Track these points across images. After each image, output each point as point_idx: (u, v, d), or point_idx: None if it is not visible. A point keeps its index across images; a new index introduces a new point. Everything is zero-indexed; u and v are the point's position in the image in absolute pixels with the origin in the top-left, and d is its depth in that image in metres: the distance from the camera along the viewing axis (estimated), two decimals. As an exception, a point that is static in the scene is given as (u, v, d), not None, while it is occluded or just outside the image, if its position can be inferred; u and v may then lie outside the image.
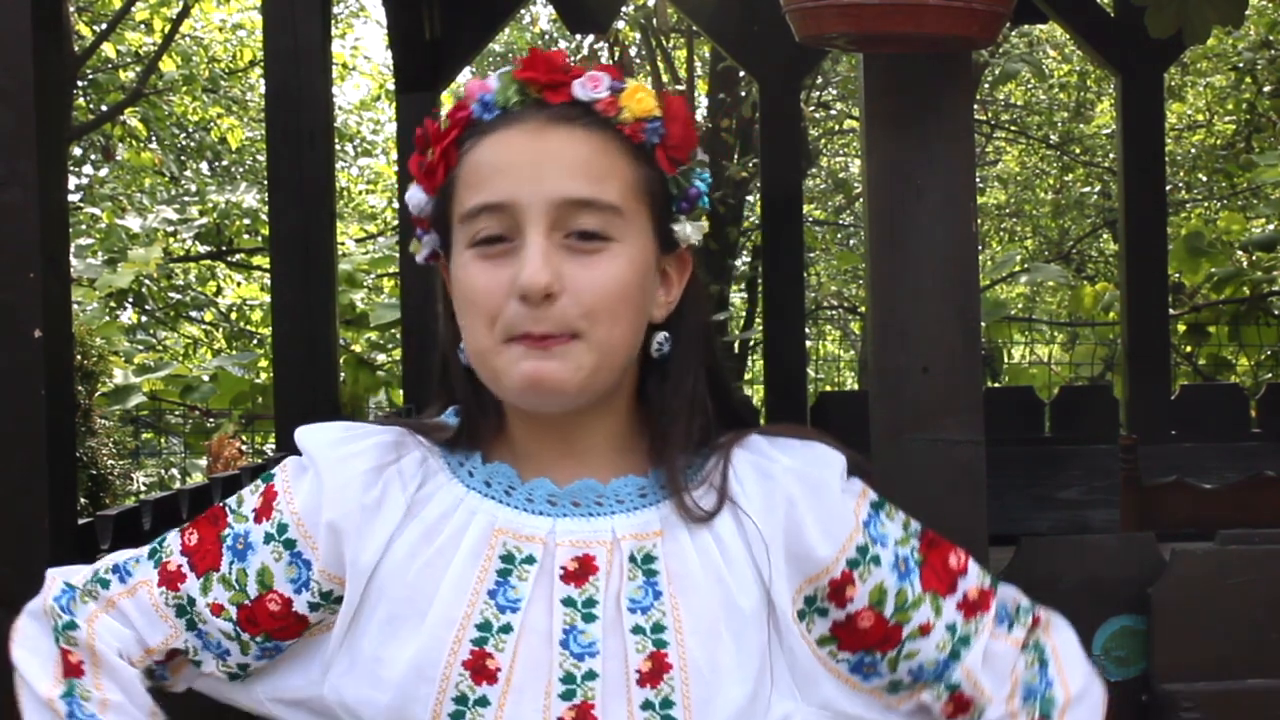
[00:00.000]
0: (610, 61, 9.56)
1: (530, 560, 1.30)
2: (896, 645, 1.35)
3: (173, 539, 1.39)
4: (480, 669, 1.28)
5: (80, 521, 2.37)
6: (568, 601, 1.29)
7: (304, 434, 1.37)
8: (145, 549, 1.41)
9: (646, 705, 1.27)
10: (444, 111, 1.36)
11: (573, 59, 1.35)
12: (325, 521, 1.33)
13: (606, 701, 1.27)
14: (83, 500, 6.38)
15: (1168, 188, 7.86)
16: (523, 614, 1.29)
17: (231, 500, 1.39)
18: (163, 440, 10.05)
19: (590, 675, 1.27)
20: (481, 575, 1.30)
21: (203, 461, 8.28)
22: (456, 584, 1.30)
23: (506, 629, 1.28)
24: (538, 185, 1.27)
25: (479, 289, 1.28)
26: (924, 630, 1.35)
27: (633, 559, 1.30)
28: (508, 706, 1.27)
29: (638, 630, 1.28)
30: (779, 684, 1.32)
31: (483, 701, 1.28)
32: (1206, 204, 11.98)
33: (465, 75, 5.94)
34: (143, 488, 8.57)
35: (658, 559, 1.30)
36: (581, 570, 1.30)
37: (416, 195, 1.35)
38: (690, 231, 1.35)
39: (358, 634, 1.33)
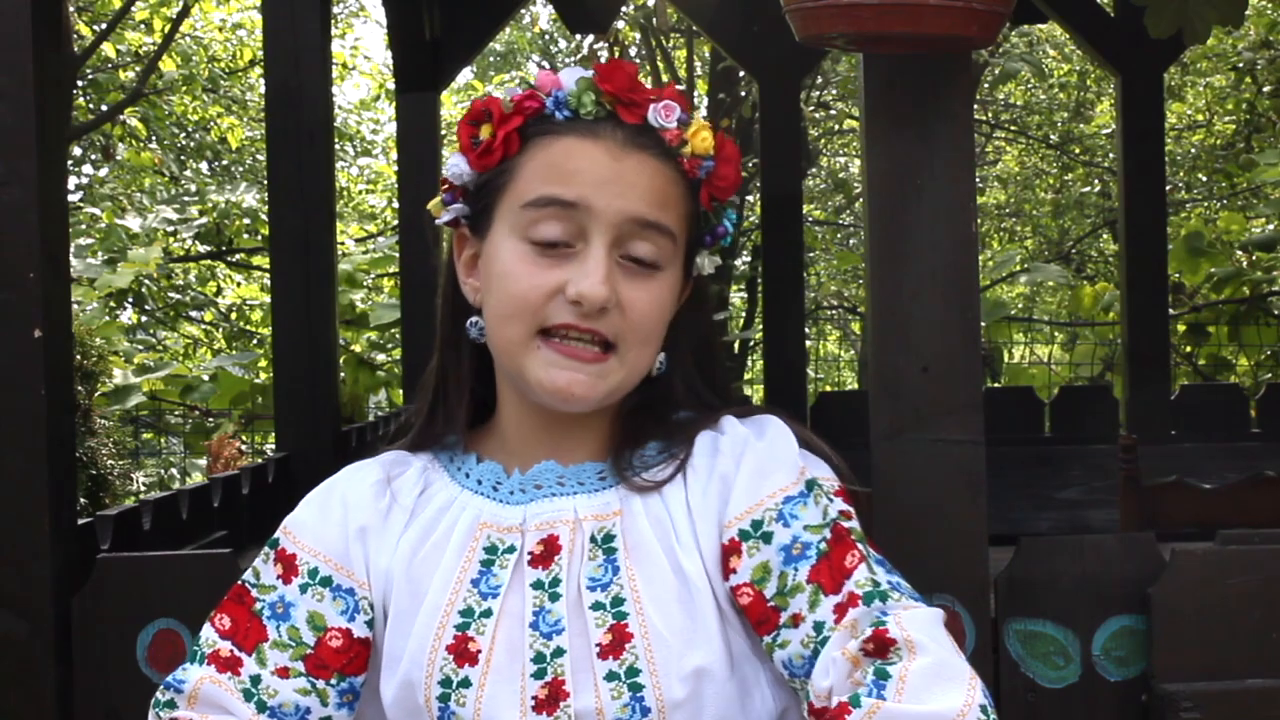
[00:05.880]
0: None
1: (511, 550, 1.36)
2: (773, 631, 1.32)
3: (206, 631, 1.40)
4: (462, 652, 1.33)
5: (80, 521, 2.36)
6: (536, 584, 1.34)
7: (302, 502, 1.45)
8: (187, 659, 1.40)
9: (611, 676, 1.30)
10: (505, 94, 1.39)
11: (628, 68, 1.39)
12: (355, 529, 1.39)
13: (575, 676, 1.31)
14: (83, 500, 6.37)
15: (1168, 188, 7.84)
16: (502, 599, 1.34)
17: (247, 575, 1.41)
18: (163, 440, 10.04)
19: (559, 652, 1.32)
20: (465, 566, 1.36)
21: (203, 461, 8.27)
22: (445, 575, 1.37)
23: (487, 614, 1.34)
24: (613, 199, 1.32)
25: (525, 285, 1.33)
26: (795, 621, 1.31)
27: (594, 539, 1.35)
28: (488, 686, 1.32)
29: (597, 606, 1.32)
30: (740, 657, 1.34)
31: (465, 683, 1.32)
32: (1206, 204, 11.96)
33: (465, 75, 5.94)
34: (143, 488, 8.57)
35: (617, 536, 1.35)
36: (547, 552, 1.35)
37: (459, 164, 1.38)
38: (705, 264, 1.43)
39: (385, 636, 1.39)
